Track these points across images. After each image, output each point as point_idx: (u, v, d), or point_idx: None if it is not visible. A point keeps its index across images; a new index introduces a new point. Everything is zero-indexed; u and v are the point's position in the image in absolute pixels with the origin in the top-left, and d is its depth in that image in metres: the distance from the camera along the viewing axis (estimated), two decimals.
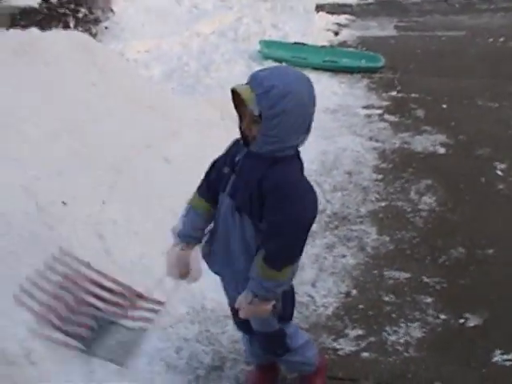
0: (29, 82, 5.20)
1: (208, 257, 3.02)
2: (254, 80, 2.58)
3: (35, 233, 4.00)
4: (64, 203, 4.24)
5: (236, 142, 2.88)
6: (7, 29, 8.83)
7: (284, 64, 8.71)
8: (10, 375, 3.31)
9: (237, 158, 2.79)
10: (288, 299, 3.00)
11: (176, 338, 3.79)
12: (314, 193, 2.75)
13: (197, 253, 3.04)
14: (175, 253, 3.01)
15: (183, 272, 3.08)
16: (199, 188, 2.99)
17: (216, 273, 3.04)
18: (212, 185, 2.91)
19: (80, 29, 8.99)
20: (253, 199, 2.69)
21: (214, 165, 2.96)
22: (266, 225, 2.70)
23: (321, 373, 3.41)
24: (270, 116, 2.54)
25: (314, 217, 2.75)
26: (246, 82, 2.61)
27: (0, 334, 3.44)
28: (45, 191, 4.18)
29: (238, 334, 3.72)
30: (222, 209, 2.86)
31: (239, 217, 2.77)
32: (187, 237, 2.99)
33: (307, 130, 2.66)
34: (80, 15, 10.15)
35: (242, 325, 3.20)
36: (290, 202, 2.63)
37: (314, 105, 2.64)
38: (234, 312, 3.05)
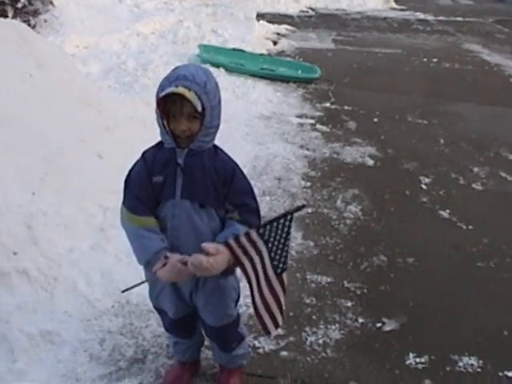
0: None
1: None
2: (185, 80, 2.69)
3: None
4: None
5: (151, 152, 2.93)
6: None
7: (221, 69, 8.83)
8: None
9: (179, 160, 2.85)
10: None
11: (100, 330, 3.83)
12: None
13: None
14: (173, 265, 2.81)
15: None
16: (135, 209, 2.90)
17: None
18: (144, 200, 2.91)
19: (18, 19, 8.87)
20: (217, 188, 2.86)
21: (133, 181, 2.94)
22: (235, 207, 2.88)
23: (242, 371, 3.54)
24: (211, 108, 2.76)
25: None
26: (164, 84, 2.72)
27: None
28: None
29: (161, 329, 3.79)
30: (178, 215, 2.89)
31: (205, 213, 2.88)
32: (163, 248, 2.88)
33: None
34: (19, 5, 10.05)
35: (189, 327, 3.30)
36: (248, 181, 2.95)
37: None
38: (177, 319, 3.18)
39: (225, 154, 2.96)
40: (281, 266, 2.82)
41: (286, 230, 2.74)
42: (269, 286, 2.84)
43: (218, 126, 2.87)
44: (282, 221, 2.72)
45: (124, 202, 2.96)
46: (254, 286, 2.79)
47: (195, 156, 2.85)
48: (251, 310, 4.10)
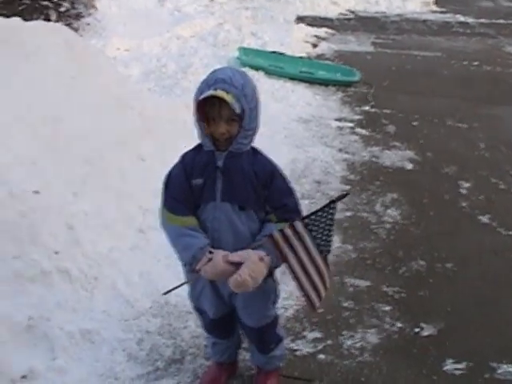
0: (8, 71, 5.23)
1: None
2: (223, 83, 2.74)
3: (6, 219, 4.06)
4: (36, 192, 4.30)
5: (190, 155, 2.98)
6: None
7: (260, 72, 8.85)
8: None
9: (218, 163, 2.89)
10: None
11: (138, 330, 3.88)
12: None
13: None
14: (217, 262, 2.85)
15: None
16: (175, 209, 2.95)
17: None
18: (183, 201, 2.96)
19: (61, 23, 8.99)
20: (257, 190, 2.90)
21: (173, 183, 2.99)
22: (274, 209, 2.93)
23: (278, 373, 3.55)
24: (250, 110, 2.81)
25: None
26: (203, 88, 2.77)
27: None
28: (18, 180, 4.23)
29: (199, 330, 3.83)
30: (218, 218, 2.93)
31: (245, 215, 2.92)
32: (207, 244, 2.91)
33: None
34: (62, 9, 10.19)
35: (228, 327, 3.35)
36: (287, 182, 2.98)
37: None
38: (217, 319, 3.23)
39: (264, 156, 2.99)
40: (324, 249, 2.86)
41: (329, 217, 2.80)
42: (313, 264, 2.85)
43: (256, 128, 2.91)
44: (326, 209, 2.78)
45: (164, 204, 3.01)
46: (298, 269, 2.83)
47: (234, 158, 2.89)
48: (289, 313, 4.13)
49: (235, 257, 2.84)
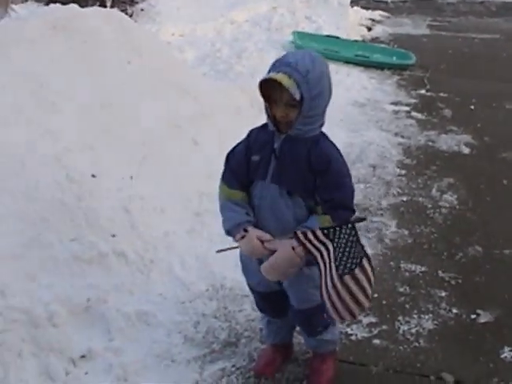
0: (65, 56, 5.30)
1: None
2: (287, 66, 2.73)
3: (64, 202, 4.14)
4: (94, 176, 4.36)
5: (256, 132, 3.04)
6: (46, 3, 9.00)
7: None
8: (34, 336, 3.46)
9: (275, 145, 2.91)
10: None
11: (194, 313, 3.92)
12: None
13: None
14: (250, 239, 2.93)
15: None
16: (229, 182, 3.03)
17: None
18: (239, 175, 3.01)
19: (116, 9, 9.09)
20: (306, 179, 2.88)
21: (234, 157, 3.05)
22: (323, 201, 2.89)
23: (334, 356, 3.54)
24: (310, 98, 2.75)
25: None
26: (271, 69, 2.78)
27: (26, 297, 3.58)
28: (75, 163, 4.30)
29: (255, 313, 3.85)
30: (265, 197, 2.97)
31: (290, 200, 2.92)
32: (245, 221, 2.97)
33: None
34: None
35: (277, 308, 3.35)
36: (348, 179, 2.94)
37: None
38: (265, 295, 3.27)
39: (327, 144, 2.94)
40: (342, 268, 2.76)
41: (350, 238, 2.72)
42: (339, 280, 2.77)
43: (318, 116, 2.86)
44: (344, 228, 2.72)
45: (222, 175, 3.07)
46: (324, 273, 2.79)
47: (291, 143, 2.88)
48: None
49: (271, 244, 2.88)
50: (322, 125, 2.91)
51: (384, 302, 4.10)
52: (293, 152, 2.89)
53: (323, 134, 2.94)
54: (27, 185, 4.12)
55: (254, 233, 2.92)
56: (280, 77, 2.69)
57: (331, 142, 2.96)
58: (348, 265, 2.74)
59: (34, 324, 3.51)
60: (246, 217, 2.98)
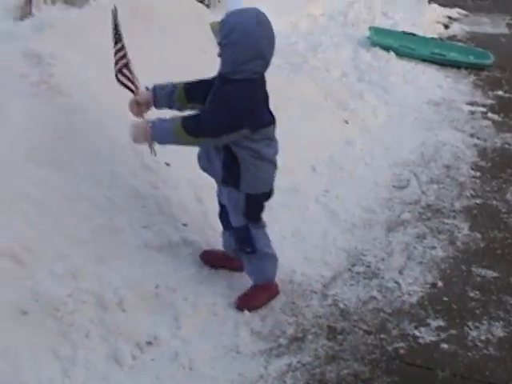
0: (144, 44, 5.36)
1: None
2: (224, 16, 3.40)
3: (138, 189, 4.20)
4: (168, 164, 4.40)
5: None
6: None
7: (391, 52, 8.67)
8: (103, 319, 3.52)
9: None
10: (253, 201, 3.67)
11: (262, 307, 3.91)
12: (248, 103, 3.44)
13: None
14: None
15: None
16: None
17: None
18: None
19: None
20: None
21: None
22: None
23: (265, 290, 3.94)
24: (223, 44, 3.38)
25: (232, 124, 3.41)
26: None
27: (97, 281, 3.64)
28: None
29: (322, 310, 3.86)
30: None
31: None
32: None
33: (259, 59, 3.37)
34: None
35: (225, 221, 3.92)
36: (220, 97, 3.45)
37: (265, 38, 3.35)
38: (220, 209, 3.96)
39: (231, 86, 3.44)
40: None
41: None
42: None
43: (232, 63, 3.40)
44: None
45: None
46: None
47: (218, 79, 3.62)
48: (413, 299, 4.09)
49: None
50: (238, 72, 3.38)
51: (454, 306, 4.03)
52: (215, 87, 3.52)
53: (236, 80, 3.40)
54: (102, 171, 4.18)
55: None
56: (216, 22, 3.54)
57: (236, 87, 3.40)
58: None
59: (103, 307, 3.56)
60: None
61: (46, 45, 4.70)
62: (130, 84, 3.78)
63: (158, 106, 3.76)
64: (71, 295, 3.49)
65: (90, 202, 3.97)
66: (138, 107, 3.72)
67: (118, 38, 3.78)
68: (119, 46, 3.79)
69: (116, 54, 3.78)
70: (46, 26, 5.01)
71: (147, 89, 3.77)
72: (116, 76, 3.78)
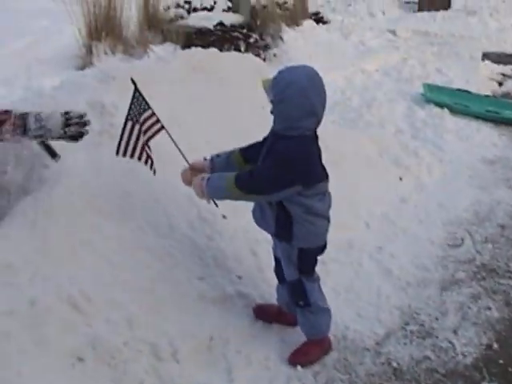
0: (203, 97, 5.49)
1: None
2: (276, 73, 3.41)
3: (194, 240, 4.27)
4: (224, 217, 4.45)
5: None
6: (182, 46, 9.33)
7: (445, 109, 8.66)
8: (157, 369, 3.54)
9: None
10: (305, 255, 3.68)
11: (315, 362, 3.90)
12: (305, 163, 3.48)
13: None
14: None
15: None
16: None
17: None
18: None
19: (250, 53, 9.29)
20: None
21: None
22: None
23: (319, 345, 3.93)
24: (277, 101, 3.39)
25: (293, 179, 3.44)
26: None
27: (152, 330, 3.68)
28: (207, 204, 4.40)
29: (375, 368, 3.82)
30: None
31: None
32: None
33: (312, 116, 3.41)
34: (251, 40, 10.53)
35: (279, 274, 3.93)
36: (270, 167, 3.44)
37: (318, 96, 3.41)
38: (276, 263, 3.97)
39: (287, 143, 3.45)
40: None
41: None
42: None
43: (286, 119, 3.44)
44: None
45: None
46: None
47: (271, 134, 3.67)
48: (467, 360, 4.01)
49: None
50: (293, 129, 3.41)
51: (510, 370, 3.95)
52: (268, 143, 3.57)
53: (292, 136, 3.42)
54: (160, 221, 4.27)
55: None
56: (266, 78, 3.45)
57: (292, 143, 3.41)
58: None
59: (157, 357, 3.59)
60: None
61: (109, 95, 4.85)
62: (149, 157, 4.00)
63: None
64: (127, 343, 3.54)
65: (149, 252, 4.04)
66: (192, 176, 3.79)
67: (145, 105, 3.91)
68: (149, 113, 3.94)
69: (144, 123, 3.91)
70: (109, 77, 5.18)
71: (204, 159, 3.88)
72: (144, 146, 3.93)
